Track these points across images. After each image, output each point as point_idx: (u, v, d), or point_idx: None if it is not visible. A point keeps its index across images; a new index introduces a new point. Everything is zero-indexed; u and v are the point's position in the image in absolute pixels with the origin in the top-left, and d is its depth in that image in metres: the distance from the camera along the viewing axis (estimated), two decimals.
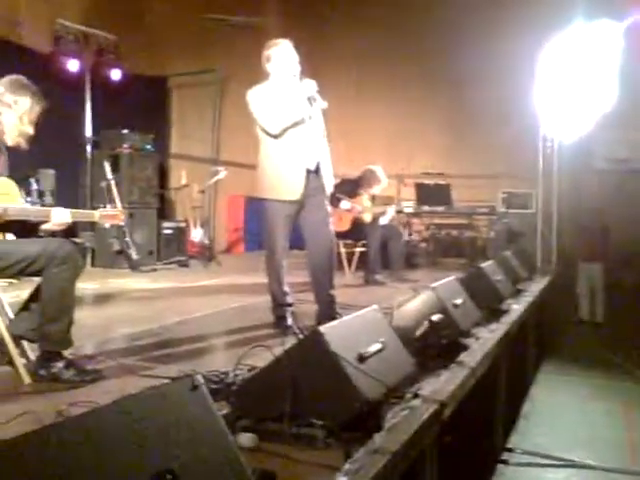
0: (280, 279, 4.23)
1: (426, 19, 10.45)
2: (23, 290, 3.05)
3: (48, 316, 2.79)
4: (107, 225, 3.06)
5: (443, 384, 2.78)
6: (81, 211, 3.28)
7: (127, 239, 6.99)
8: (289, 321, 4.06)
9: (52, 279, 2.75)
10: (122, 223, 3.17)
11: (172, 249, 8.43)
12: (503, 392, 4.29)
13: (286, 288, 4.25)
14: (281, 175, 4.14)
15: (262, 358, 2.75)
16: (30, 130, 2.94)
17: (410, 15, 10.55)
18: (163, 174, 9.32)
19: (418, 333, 3.08)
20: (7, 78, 2.92)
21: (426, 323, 3.09)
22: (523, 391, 5.57)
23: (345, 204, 6.82)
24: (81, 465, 1.18)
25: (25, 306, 3.00)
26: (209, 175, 10.16)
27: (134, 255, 7.05)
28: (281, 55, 4.22)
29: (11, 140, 2.92)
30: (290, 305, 4.22)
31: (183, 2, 9.98)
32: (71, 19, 7.93)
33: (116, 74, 8.24)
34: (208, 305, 5.04)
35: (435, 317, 3.14)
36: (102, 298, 5.41)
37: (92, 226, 7.71)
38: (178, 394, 1.37)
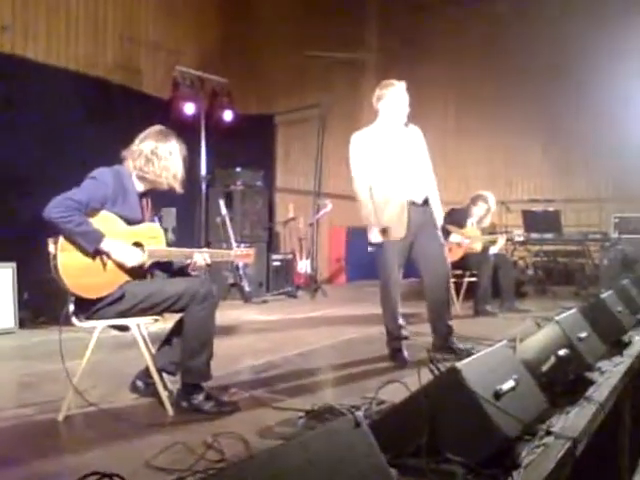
0: (394, 313, 4.32)
1: (525, 44, 10.38)
2: (167, 323, 3.27)
3: (190, 351, 2.99)
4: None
5: (573, 420, 2.76)
6: (218, 251, 3.52)
7: (241, 272, 7.27)
8: (405, 354, 4.17)
9: (194, 316, 2.96)
10: (252, 261, 3.38)
11: (280, 280, 8.70)
12: (628, 427, 4.15)
13: (401, 321, 4.32)
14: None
15: (387, 392, 2.84)
16: (183, 174, 3.18)
17: (507, 41, 10.51)
18: (270, 208, 9.65)
19: (544, 368, 3.06)
20: (153, 128, 3.14)
21: (553, 358, 3.06)
22: None
23: (455, 237, 6.79)
24: None
25: (167, 341, 3.23)
26: (314, 208, 10.45)
27: (247, 287, 7.32)
28: (393, 97, 4.34)
29: (168, 187, 3.15)
30: (406, 338, 4.29)
31: (287, 42, 10.39)
32: (187, 65, 8.43)
33: (228, 115, 8.66)
34: (323, 336, 5.18)
35: (562, 352, 3.11)
36: (223, 330, 5.64)
37: None
38: (344, 432, 1.46)
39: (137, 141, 3.09)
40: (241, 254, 3.31)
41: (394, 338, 4.29)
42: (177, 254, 3.15)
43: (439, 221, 4.43)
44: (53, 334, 5.47)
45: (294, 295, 8.54)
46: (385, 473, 1.45)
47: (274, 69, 10.10)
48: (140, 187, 3.13)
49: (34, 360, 4.40)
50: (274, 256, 8.81)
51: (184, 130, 7.89)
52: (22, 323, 5.72)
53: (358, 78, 12.51)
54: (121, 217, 3.01)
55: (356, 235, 10.97)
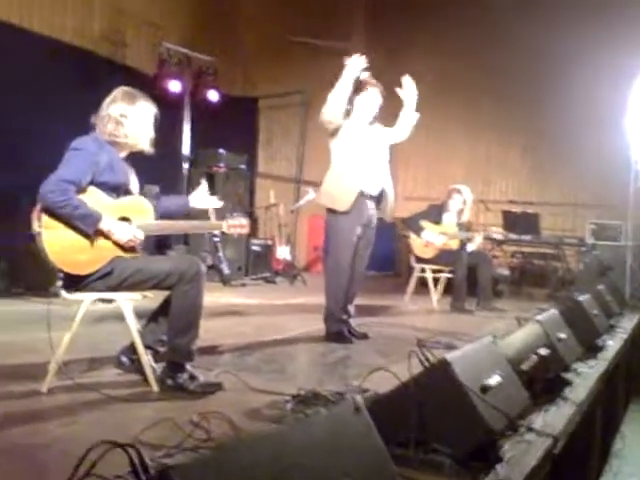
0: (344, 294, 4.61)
1: (508, 45, 10.47)
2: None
3: (177, 330, 2.99)
4: (235, 235, 3.22)
5: (552, 419, 2.82)
6: (211, 222, 3.50)
7: (220, 254, 7.25)
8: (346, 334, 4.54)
9: (182, 296, 2.95)
10: (247, 232, 3.35)
11: (259, 266, 8.69)
12: (599, 430, 4.25)
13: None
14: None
15: (369, 380, 2.88)
16: (152, 132, 3.14)
17: (490, 41, 10.60)
18: (251, 193, 9.62)
19: (524, 366, 3.11)
20: (118, 91, 3.08)
21: (534, 357, 3.12)
22: (614, 429, 5.46)
23: (427, 234, 6.83)
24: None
25: (153, 318, 3.22)
26: (293, 194, 10.45)
27: (226, 270, 7.30)
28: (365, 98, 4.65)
29: (139, 148, 3.11)
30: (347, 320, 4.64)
31: (275, 26, 10.33)
32: (173, 42, 8.33)
33: (213, 95, 8.57)
34: (304, 323, 5.21)
35: (542, 351, 3.17)
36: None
37: (186, 240, 8.04)
38: (344, 415, 1.48)
39: (104, 105, 3.04)
40: (234, 225, 3.25)
41: (337, 320, 4.54)
42: (170, 228, 3.14)
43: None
44: (28, 304, 5.44)
45: (273, 281, 8.54)
46: (382, 454, 1.48)
47: (260, 52, 10.03)
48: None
49: (12, 330, 4.35)
50: (254, 241, 8.80)
51: (168, 108, 7.90)
52: None
53: (342, 67, 12.48)
54: (110, 184, 2.98)
55: None
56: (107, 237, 2.90)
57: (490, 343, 2.62)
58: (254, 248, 8.67)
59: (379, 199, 4.67)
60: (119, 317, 4.13)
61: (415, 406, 2.18)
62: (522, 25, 10.15)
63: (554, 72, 10.08)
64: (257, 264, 8.68)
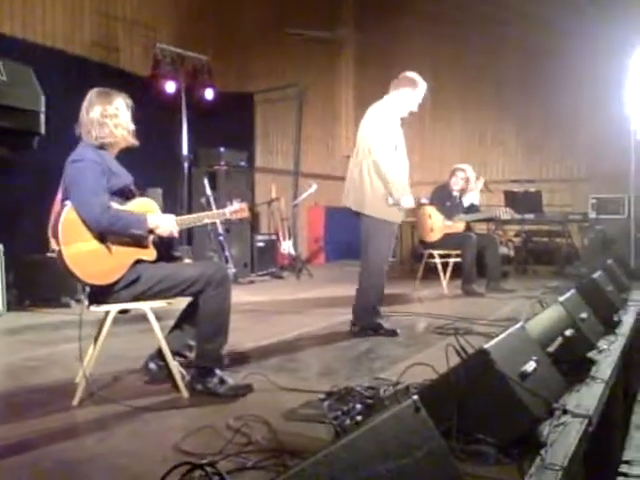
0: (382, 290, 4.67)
1: (501, 25, 10.46)
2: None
3: (206, 335, 2.99)
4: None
5: (585, 398, 2.84)
6: (215, 212, 3.54)
7: (226, 253, 7.24)
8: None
9: (210, 301, 2.95)
10: (248, 215, 3.42)
11: (265, 261, 8.69)
12: (621, 403, 4.28)
13: None
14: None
15: (396, 373, 2.89)
16: (132, 126, 3.12)
17: (483, 22, 10.59)
18: (252, 188, 9.60)
19: (551, 349, 3.13)
20: (92, 94, 3.03)
21: (560, 338, 3.13)
22: (631, 402, 5.50)
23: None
24: None
25: (177, 325, 3.22)
26: (295, 188, 10.43)
27: (232, 268, 7.29)
28: (410, 92, 4.67)
29: (126, 142, 3.10)
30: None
31: (266, 21, 10.28)
32: (166, 42, 8.28)
33: (209, 93, 8.52)
34: (318, 318, 5.22)
35: (568, 332, 3.19)
36: None
37: (189, 240, 8.04)
38: (407, 417, 1.48)
39: (83, 112, 3.00)
40: (235, 210, 3.32)
41: (377, 313, 4.58)
42: (192, 221, 3.17)
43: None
44: (41, 317, 5.42)
45: (280, 276, 8.55)
46: (446, 456, 1.48)
47: (253, 47, 9.99)
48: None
49: (32, 344, 4.35)
50: (258, 237, 8.79)
51: (165, 109, 7.92)
52: (7, 305, 5.62)
53: (335, 57, 12.48)
54: (116, 188, 2.97)
55: (334, 215, 11.01)
56: (124, 243, 2.89)
57: (521, 329, 2.63)
58: (259, 244, 8.66)
59: None
60: (133, 325, 4.21)
61: (456, 397, 2.19)
62: (516, 3, 10.13)
63: (548, 48, 10.07)
64: (262, 260, 8.67)
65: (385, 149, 4.40)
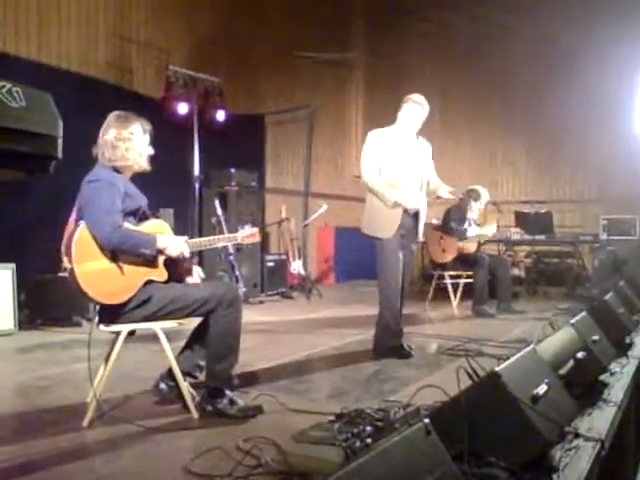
0: (397, 310, 4.62)
1: (511, 45, 10.52)
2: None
3: (216, 355, 2.99)
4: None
5: (597, 422, 2.81)
6: (226, 236, 3.54)
7: (237, 273, 7.25)
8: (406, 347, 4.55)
9: (221, 321, 2.96)
10: (258, 240, 3.47)
11: (275, 281, 8.70)
12: (634, 427, 4.23)
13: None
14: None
15: (407, 395, 2.87)
16: (151, 150, 3.17)
17: (492, 41, 10.66)
18: (262, 209, 9.64)
19: (563, 371, 3.10)
20: (111, 117, 3.09)
21: (572, 361, 3.11)
22: None
23: (472, 230, 6.95)
24: None
25: (188, 345, 3.22)
26: (305, 209, 10.46)
27: (242, 288, 7.30)
28: (407, 111, 4.70)
29: (139, 167, 3.13)
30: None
31: (278, 43, 10.40)
32: (179, 65, 8.38)
33: (221, 115, 8.59)
34: (329, 338, 5.21)
35: (580, 355, 3.17)
36: None
37: (200, 261, 8.06)
38: (417, 440, 1.48)
39: (101, 134, 3.05)
40: (247, 235, 3.37)
41: (395, 334, 4.54)
42: (203, 244, 3.18)
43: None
44: (52, 335, 5.45)
45: (290, 296, 8.55)
46: (456, 476, 1.47)
47: (264, 68, 10.09)
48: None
49: (42, 363, 4.36)
50: (268, 257, 8.81)
51: (177, 130, 7.99)
52: (19, 324, 5.65)
53: (346, 79, 12.58)
54: (129, 210, 3.00)
55: (344, 235, 11.03)
56: (135, 263, 2.91)
57: (533, 351, 2.61)
58: (269, 264, 8.69)
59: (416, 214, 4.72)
60: (143, 345, 4.22)
61: (467, 420, 2.17)
62: (525, 23, 10.20)
63: (558, 68, 10.11)
64: (272, 280, 8.69)
65: (368, 169, 4.57)
